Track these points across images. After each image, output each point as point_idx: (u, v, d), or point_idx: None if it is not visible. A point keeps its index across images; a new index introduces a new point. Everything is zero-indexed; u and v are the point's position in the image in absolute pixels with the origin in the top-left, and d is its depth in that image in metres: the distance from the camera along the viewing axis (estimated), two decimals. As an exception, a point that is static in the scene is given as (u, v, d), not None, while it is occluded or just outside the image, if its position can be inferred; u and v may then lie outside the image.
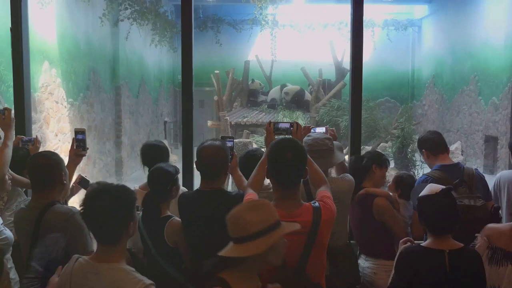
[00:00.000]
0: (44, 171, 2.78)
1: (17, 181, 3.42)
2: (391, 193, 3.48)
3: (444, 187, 2.54)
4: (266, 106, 13.43)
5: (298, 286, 2.35)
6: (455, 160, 3.68)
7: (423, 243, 2.51)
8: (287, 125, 3.13)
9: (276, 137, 3.02)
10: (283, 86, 13.36)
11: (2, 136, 3.35)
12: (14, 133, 3.44)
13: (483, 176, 3.57)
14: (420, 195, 2.58)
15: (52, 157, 2.89)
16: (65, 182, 2.80)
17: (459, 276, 2.38)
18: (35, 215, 2.64)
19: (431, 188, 2.56)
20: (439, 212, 2.47)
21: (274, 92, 13.49)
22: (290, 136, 3.02)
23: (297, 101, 12.94)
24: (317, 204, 2.45)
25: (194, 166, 3.16)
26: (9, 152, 3.21)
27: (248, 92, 13.71)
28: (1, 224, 2.91)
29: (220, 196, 2.83)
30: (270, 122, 3.12)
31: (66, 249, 2.62)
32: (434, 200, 2.48)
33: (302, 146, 2.62)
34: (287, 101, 12.98)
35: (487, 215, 3.00)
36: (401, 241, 2.73)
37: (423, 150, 3.67)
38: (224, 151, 2.86)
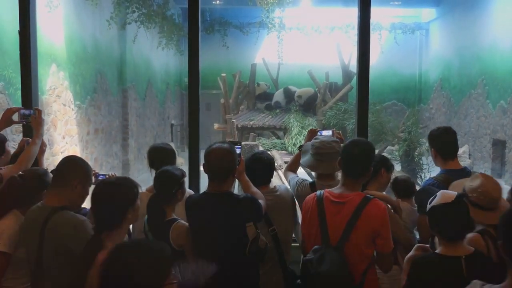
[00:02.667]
0: (63, 166, 2.81)
1: None
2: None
3: (456, 193, 2.51)
4: (270, 109, 13.37)
5: (335, 263, 2.56)
6: (462, 164, 3.58)
7: (437, 250, 2.50)
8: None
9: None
10: (286, 89, 13.32)
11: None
12: (43, 132, 3.62)
13: None
14: (433, 204, 2.51)
15: (80, 161, 2.91)
16: (75, 189, 2.77)
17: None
18: (43, 218, 2.64)
19: (443, 195, 2.51)
20: (454, 222, 2.45)
21: (278, 95, 13.46)
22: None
23: (309, 105, 12.85)
24: (371, 197, 2.71)
25: (201, 169, 3.16)
26: (35, 149, 3.44)
27: (256, 97, 13.64)
28: None
29: (228, 199, 2.82)
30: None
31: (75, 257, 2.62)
32: (448, 210, 2.45)
33: (370, 148, 2.87)
34: (300, 104, 12.87)
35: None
36: (415, 246, 2.71)
37: (432, 148, 3.50)
38: (232, 153, 2.85)
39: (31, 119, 3.58)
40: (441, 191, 2.57)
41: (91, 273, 2.21)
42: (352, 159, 2.78)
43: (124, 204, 2.38)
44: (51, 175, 3.01)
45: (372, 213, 2.65)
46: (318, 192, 2.82)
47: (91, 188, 3.00)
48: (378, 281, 2.92)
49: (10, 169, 3.25)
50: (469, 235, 2.67)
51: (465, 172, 3.42)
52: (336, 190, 2.79)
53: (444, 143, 3.42)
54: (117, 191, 2.39)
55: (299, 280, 2.86)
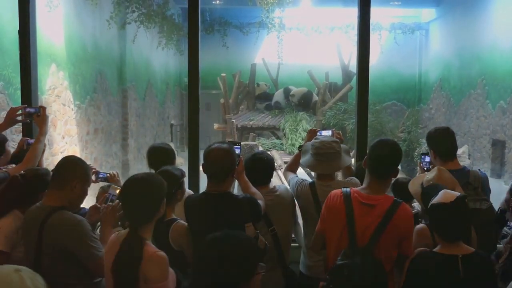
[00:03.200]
0: (62, 166, 2.81)
1: None
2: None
3: (458, 194, 2.50)
4: (270, 109, 13.38)
5: (364, 264, 2.51)
6: (462, 164, 3.55)
7: (435, 249, 2.50)
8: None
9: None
10: (286, 89, 13.34)
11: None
12: (47, 129, 3.60)
13: (486, 176, 3.51)
14: (433, 201, 2.51)
15: (79, 161, 2.90)
16: (74, 190, 2.77)
17: (472, 281, 2.38)
18: (41, 217, 2.64)
19: (445, 195, 2.50)
20: (454, 222, 2.45)
21: (277, 95, 13.48)
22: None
23: (304, 103, 12.87)
24: (400, 201, 2.70)
25: (201, 169, 3.15)
26: (40, 147, 3.44)
27: (256, 97, 13.64)
28: None
29: (227, 199, 2.82)
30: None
31: (74, 257, 2.62)
32: (449, 209, 2.44)
33: (399, 148, 2.86)
34: (295, 103, 12.92)
35: (493, 217, 2.97)
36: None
37: (431, 149, 3.44)
38: (231, 153, 2.85)
39: (35, 117, 3.58)
40: (444, 190, 2.56)
41: (143, 267, 2.26)
42: (382, 160, 2.74)
43: (157, 200, 2.44)
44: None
45: (402, 217, 2.63)
46: (344, 191, 2.76)
47: (95, 189, 3.02)
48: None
49: (17, 168, 3.26)
50: (417, 227, 2.85)
51: (464, 172, 3.40)
52: (363, 191, 2.74)
53: (443, 144, 3.35)
54: (151, 187, 2.43)
55: (327, 283, 2.82)
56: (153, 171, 3.40)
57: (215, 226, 2.72)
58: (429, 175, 2.89)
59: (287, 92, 13.19)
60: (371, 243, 2.59)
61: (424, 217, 3.06)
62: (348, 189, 2.76)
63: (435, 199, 2.50)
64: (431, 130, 3.50)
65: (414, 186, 2.96)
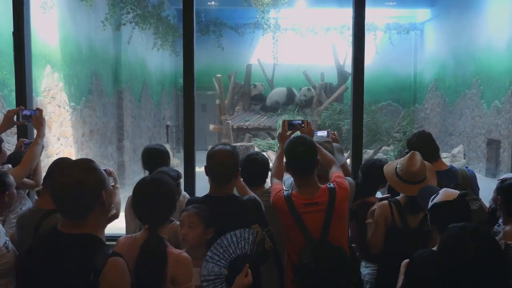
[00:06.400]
0: (53, 169, 2.80)
1: (21, 183, 3.43)
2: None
3: (458, 192, 2.53)
4: (266, 110, 13.40)
5: (324, 251, 2.75)
6: (457, 164, 3.59)
7: (435, 248, 2.46)
8: (299, 122, 3.45)
9: (288, 132, 3.39)
10: (289, 89, 13.42)
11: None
12: (45, 131, 3.58)
13: (474, 174, 3.53)
14: (434, 201, 2.52)
15: (67, 161, 2.87)
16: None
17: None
18: (35, 221, 2.62)
19: (445, 193, 2.52)
20: (454, 220, 2.40)
21: (278, 95, 13.51)
22: (299, 132, 3.36)
23: (286, 103, 13.07)
24: (332, 185, 2.89)
25: (197, 170, 3.15)
26: (38, 149, 3.41)
27: (252, 98, 13.65)
28: (6, 241, 2.74)
29: (232, 201, 2.81)
30: (284, 120, 3.46)
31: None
32: (449, 208, 2.46)
33: (312, 140, 3.01)
34: (281, 104, 13.11)
35: (485, 217, 2.98)
36: None
37: None
38: (235, 155, 2.85)
39: (33, 119, 3.56)
40: (444, 189, 2.58)
41: (170, 269, 2.27)
42: (300, 157, 2.87)
43: (174, 198, 2.47)
44: (11, 177, 2.94)
45: (341, 198, 2.86)
46: (286, 194, 2.90)
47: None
48: None
49: (15, 170, 3.24)
50: (380, 203, 3.10)
51: (452, 172, 3.42)
52: (300, 194, 2.88)
53: (422, 148, 3.39)
54: (166, 187, 2.43)
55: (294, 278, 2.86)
56: (147, 172, 3.40)
57: (221, 228, 2.70)
58: (403, 158, 3.13)
59: (290, 92, 13.23)
60: (324, 235, 2.81)
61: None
62: (289, 192, 2.92)
63: (437, 198, 2.53)
64: (409, 137, 3.68)
65: (388, 168, 3.20)
